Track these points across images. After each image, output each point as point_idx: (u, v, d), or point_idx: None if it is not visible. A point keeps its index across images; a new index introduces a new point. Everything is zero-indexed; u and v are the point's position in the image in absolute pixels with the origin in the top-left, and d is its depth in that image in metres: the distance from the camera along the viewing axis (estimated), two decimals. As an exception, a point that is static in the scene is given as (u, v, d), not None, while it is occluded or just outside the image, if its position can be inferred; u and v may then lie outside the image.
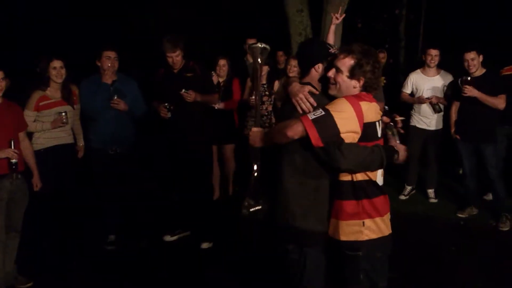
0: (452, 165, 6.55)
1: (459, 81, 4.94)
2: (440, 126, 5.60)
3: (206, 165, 4.83)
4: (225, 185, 6.03)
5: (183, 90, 4.37)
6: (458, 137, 5.12)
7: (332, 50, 2.53)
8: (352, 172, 2.33)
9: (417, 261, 4.14)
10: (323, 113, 2.22)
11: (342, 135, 2.23)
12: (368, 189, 2.34)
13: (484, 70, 4.92)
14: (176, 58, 4.43)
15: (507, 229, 4.83)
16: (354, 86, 2.36)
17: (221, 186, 6.05)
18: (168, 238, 4.77)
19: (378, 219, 2.36)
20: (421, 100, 5.50)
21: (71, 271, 4.14)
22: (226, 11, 10.65)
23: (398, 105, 5.83)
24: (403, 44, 12.05)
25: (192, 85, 4.47)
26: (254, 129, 2.56)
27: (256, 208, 2.65)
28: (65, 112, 4.26)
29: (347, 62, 2.33)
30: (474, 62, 4.82)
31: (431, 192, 5.80)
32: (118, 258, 4.43)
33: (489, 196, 5.51)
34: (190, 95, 4.39)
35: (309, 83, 2.54)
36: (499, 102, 4.85)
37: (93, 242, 4.67)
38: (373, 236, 2.34)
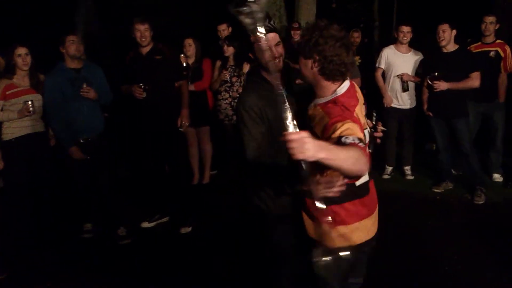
0: (426, 142, 6.63)
1: (427, 79, 4.97)
2: (414, 104, 5.62)
3: (178, 147, 4.79)
4: (202, 169, 5.99)
5: (141, 85, 4.38)
6: (430, 114, 5.16)
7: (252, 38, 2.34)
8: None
9: (395, 236, 4.18)
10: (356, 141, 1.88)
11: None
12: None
13: (457, 47, 4.95)
14: (144, 32, 4.38)
15: (482, 202, 4.91)
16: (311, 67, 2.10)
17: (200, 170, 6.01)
18: (146, 224, 4.73)
19: (350, 226, 2.17)
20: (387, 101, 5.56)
21: (47, 261, 4.07)
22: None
23: (373, 83, 5.86)
24: (377, 23, 12.12)
25: (160, 68, 4.44)
26: (303, 132, 1.68)
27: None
28: (31, 100, 4.14)
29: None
30: (445, 34, 4.84)
31: (407, 169, 5.85)
32: (95, 247, 4.37)
33: (458, 171, 5.58)
34: (142, 94, 4.40)
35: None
36: (472, 83, 4.87)
37: (69, 231, 4.58)
38: (343, 243, 2.11)
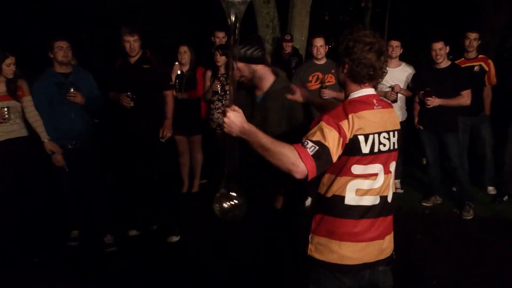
0: (416, 155, 6.66)
1: (420, 94, 5.00)
2: (404, 118, 5.65)
3: (164, 156, 4.77)
4: (192, 178, 5.95)
5: (128, 94, 4.37)
6: (421, 127, 5.18)
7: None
8: None
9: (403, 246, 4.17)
10: (304, 144, 1.94)
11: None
12: (327, 206, 2.10)
13: (449, 63, 4.99)
14: (133, 43, 4.37)
15: (470, 217, 4.93)
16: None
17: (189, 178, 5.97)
18: (133, 232, 4.68)
19: (332, 241, 2.08)
20: (388, 95, 5.50)
21: (33, 268, 4.02)
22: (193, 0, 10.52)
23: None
24: (368, 36, 12.19)
25: (147, 77, 4.43)
26: (231, 113, 2.04)
27: (231, 203, 2.21)
28: (7, 107, 4.08)
29: None
30: (441, 52, 4.87)
31: (397, 182, 5.85)
32: (81, 254, 4.32)
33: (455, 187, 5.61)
34: (129, 104, 4.39)
35: None
36: (464, 100, 4.90)
37: (55, 238, 4.52)
38: (317, 256, 2.12)
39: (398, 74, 5.50)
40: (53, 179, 4.53)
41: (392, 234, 2.22)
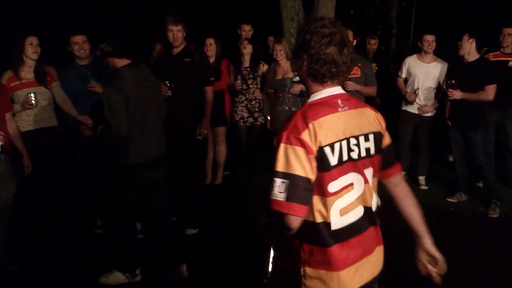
0: (442, 152, 6.57)
1: (444, 86, 4.92)
2: (433, 113, 5.58)
3: (200, 147, 4.77)
4: (215, 170, 5.99)
5: (166, 82, 4.36)
6: (449, 122, 5.11)
7: None
8: None
9: (406, 246, 4.13)
10: (285, 181, 1.69)
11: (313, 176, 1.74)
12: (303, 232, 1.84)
13: (477, 56, 4.90)
14: (177, 33, 4.37)
15: (496, 216, 4.85)
16: None
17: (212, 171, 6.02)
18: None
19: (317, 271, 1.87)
20: (407, 96, 5.47)
21: (58, 255, 4.11)
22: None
23: (390, 91, 5.83)
24: (394, 31, 12.06)
25: (188, 70, 4.42)
26: None
27: None
28: (34, 93, 4.12)
29: None
30: (462, 43, 4.81)
31: (422, 179, 5.79)
32: (106, 242, 4.39)
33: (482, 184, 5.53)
34: (167, 93, 4.36)
35: None
36: (487, 95, 4.82)
37: (81, 226, 4.63)
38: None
39: (432, 70, 5.43)
40: (78, 169, 4.63)
41: (382, 246, 2.03)
